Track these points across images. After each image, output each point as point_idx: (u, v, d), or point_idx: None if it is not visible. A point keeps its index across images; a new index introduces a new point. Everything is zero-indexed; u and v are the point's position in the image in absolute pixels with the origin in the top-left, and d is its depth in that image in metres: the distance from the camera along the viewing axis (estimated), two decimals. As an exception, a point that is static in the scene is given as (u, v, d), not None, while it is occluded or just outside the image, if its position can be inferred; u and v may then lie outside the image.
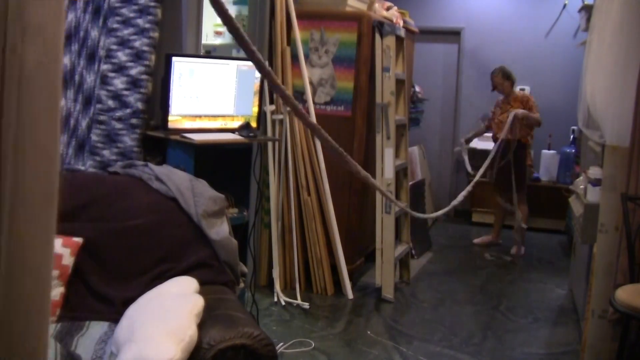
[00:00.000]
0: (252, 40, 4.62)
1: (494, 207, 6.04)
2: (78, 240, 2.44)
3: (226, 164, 3.45)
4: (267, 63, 4.00)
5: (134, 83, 3.05)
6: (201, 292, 2.22)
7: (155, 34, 3.08)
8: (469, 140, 6.12)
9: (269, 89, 4.26)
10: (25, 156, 0.99)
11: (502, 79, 5.67)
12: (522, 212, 5.68)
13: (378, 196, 4.44)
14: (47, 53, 1.01)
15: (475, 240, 6.08)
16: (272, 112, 4.28)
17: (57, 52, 1.02)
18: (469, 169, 5.82)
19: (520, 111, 5.47)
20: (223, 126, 3.34)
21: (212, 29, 4.70)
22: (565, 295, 4.72)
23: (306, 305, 4.10)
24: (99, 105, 3.06)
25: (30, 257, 1.01)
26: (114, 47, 3.07)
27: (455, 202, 4.99)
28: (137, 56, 3.05)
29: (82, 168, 3.04)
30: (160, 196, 2.66)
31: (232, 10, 4.71)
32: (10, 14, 0.97)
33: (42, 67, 1.00)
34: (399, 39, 4.85)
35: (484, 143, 6.55)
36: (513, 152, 5.52)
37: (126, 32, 3.07)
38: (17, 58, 0.98)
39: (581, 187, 3.71)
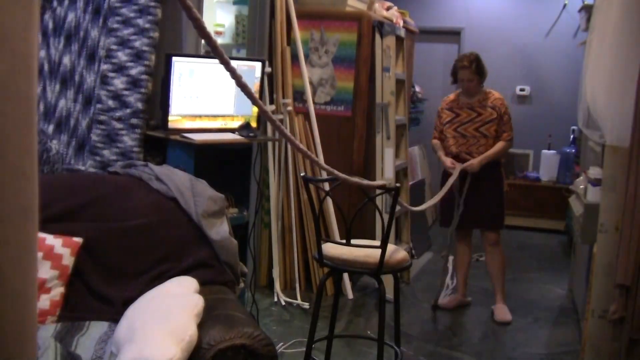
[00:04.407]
0: (252, 40, 4.61)
1: (459, 254, 4.34)
2: (78, 240, 2.44)
3: (226, 164, 3.45)
4: (267, 63, 4.00)
5: (134, 83, 3.05)
6: (201, 292, 2.22)
7: (155, 34, 3.08)
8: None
9: (269, 89, 4.26)
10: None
11: (474, 73, 4.03)
12: (500, 257, 4.17)
13: (378, 196, 4.44)
14: (18, 64, 0.96)
15: (441, 302, 4.32)
16: (272, 112, 4.28)
17: (31, 63, 0.97)
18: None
19: (475, 164, 4.01)
20: (223, 126, 3.34)
21: (212, 29, 4.70)
22: (565, 295, 4.72)
23: (306, 305, 4.10)
24: (99, 105, 3.06)
25: (13, 281, 0.96)
26: (114, 47, 3.07)
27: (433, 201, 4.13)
28: (137, 56, 3.05)
29: (82, 168, 3.05)
30: (160, 196, 2.66)
31: (232, 10, 4.71)
32: None
33: (12, 79, 0.95)
34: (399, 39, 4.86)
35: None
36: (485, 173, 4.07)
37: (126, 32, 3.07)
38: None
39: (581, 187, 3.71)
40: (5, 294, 0.94)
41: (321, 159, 4.35)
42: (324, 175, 4.33)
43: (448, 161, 4.12)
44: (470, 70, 4.02)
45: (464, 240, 4.28)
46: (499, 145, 4.05)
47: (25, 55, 0.96)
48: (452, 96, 4.27)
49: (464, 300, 4.36)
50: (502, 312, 4.11)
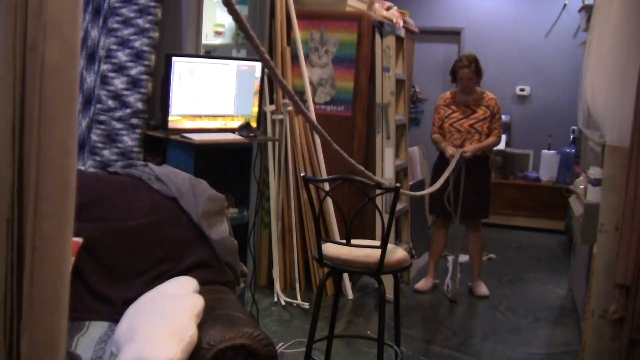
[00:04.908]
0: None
1: (436, 241, 4.67)
2: (78, 240, 2.44)
3: (226, 164, 3.45)
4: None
5: (134, 83, 3.05)
6: (201, 292, 2.22)
7: (155, 34, 3.08)
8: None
9: (269, 89, 4.26)
10: (47, 151, 1.03)
11: (473, 72, 4.36)
12: (480, 241, 4.62)
13: (378, 196, 4.45)
14: (66, 50, 1.02)
15: (417, 286, 4.66)
16: (272, 112, 4.28)
17: (75, 49, 1.04)
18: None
19: (470, 150, 4.31)
20: (223, 126, 3.34)
21: (212, 29, 4.70)
22: (565, 295, 4.72)
23: (306, 305, 4.10)
24: (99, 105, 3.06)
25: (52, 250, 1.05)
26: (114, 47, 3.07)
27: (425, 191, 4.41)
28: (137, 56, 3.05)
29: (82, 168, 3.05)
30: (160, 196, 2.66)
31: (232, 10, 4.70)
32: (30, 13, 0.99)
33: (61, 64, 1.01)
34: (399, 39, 4.86)
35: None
36: (475, 166, 4.40)
37: (126, 32, 3.07)
38: (38, 56, 1.01)
39: (581, 187, 3.71)
40: (49, 263, 1.04)
41: (321, 159, 4.35)
42: (324, 175, 4.34)
43: (450, 149, 4.41)
44: (470, 70, 4.37)
45: (444, 227, 4.63)
46: (490, 139, 4.43)
47: (72, 44, 1.05)
48: (448, 94, 4.60)
49: (435, 282, 4.72)
50: (482, 287, 4.60)
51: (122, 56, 3.06)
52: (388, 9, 5.03)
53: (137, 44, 3.05)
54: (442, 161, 4.52)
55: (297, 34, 4.38)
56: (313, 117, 4.33)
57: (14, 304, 1.03)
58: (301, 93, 4.43)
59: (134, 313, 2.10)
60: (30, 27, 1.00)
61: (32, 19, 0.99)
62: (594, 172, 3.31)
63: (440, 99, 4.63)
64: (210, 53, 4.59)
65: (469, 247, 4.65)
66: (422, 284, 4.65)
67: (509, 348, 3.71)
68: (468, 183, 4.36)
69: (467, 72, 4.36)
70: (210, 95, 3.27)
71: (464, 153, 4.32)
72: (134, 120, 3.04)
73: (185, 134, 3.09)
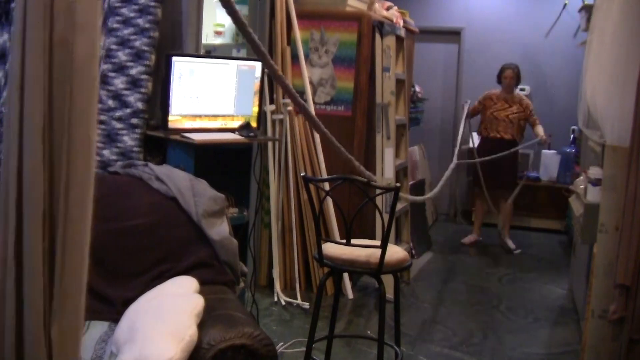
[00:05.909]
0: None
1: (477, 205, 6.17)
2: (78, 240, 2.44)
3: (226, 164, 3.45)
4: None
5: (134, 83, 3.05)
6: (201, 292, 2.22)
7: (155, 34, 3.08)
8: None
9: (269, 88, 4.26)
10: (75, 144, 1.10)
11: (515, 78, 5.79)
12: (511, 208, 5.99)
13: (378, 196, 4.44)
14: (92, 47, 1.09)
15: (464, 240, 6.12)
16: (272, 112, 4.28)
17: (97, 49, 1.12)
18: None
19: (545, 138, 5.85)
20: (223, 126, 3.34)
21: (212, 29, 4.70)
22: (565, 295, 4.72)
23: (306, 305, 4.10)
24: (99, 105, 3.06)
25: (78, 236, 1.11)
26: (114, 47, 3.07)
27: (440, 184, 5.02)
28: (137, 56, 3.05)
29: (82, 168, 3.04)
30: (160, 196, 2.66)
31: (232, 10, 4.70)
32: (57, 9, 1.05)
33: (88, 61, 1.08)
34: (399, 39, 4.86)
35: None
36: (507, 149, 5.71)
37: (126, 32, 3.07)
38: (69, 51, 1.07)
39: (581, 187, 3.71)
40: (75, 250, 1.10)
41: (321, 159, 4.35)
42: (324, 175, 4.34)
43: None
44: (513, 71, 5.77)
45: (480, 196, 6.00)
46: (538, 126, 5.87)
47: (96, 43, 1.10)
48: (494, 92, 5.90)
49: (478, 238, 6.13)
50: (510, 243, 5.93)
51: (122, 56, 3.06)
52: (388, 8, 5.03)
53: (137, 43, 3.05)
54: (486, 144, 5.92)
55: (297, 34, 4.38)
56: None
57: (47, 295, 1.09)
58: (301, 93, 4.44)
59: (134, 313, 2.10)
60: (57, 24, 1.06)
61: (60, 15, 1.06)
62: (594, 172, 3.31)
63: (488, 92, 5.94)
64: (210, 53, 4.59)
65: (502, 213, 5.95)
66: (468, 239, 6.08)
67: (509, 348, 3.71)
68: (500, 165, 5.65)
69: (510, 73, 5.75)
70: (210, 95, 3.27)
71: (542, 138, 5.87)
72: (134, 120, 3.04)
73: (185, 134, 3.09)
